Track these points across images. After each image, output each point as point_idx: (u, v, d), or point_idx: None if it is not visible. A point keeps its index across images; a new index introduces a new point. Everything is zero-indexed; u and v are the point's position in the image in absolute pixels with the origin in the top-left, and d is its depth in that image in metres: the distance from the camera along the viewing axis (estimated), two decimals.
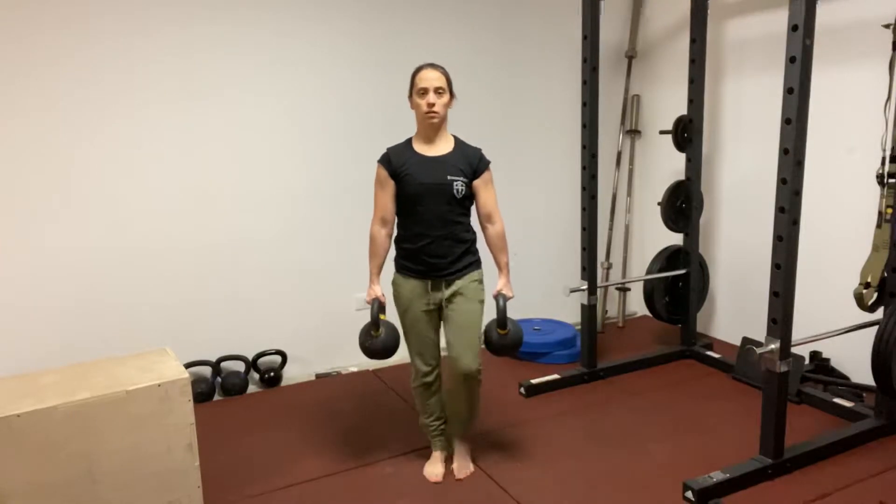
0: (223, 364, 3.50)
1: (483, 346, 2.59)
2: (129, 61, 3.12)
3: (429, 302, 2.54)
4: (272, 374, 3.56)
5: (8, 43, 2.90)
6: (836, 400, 3.11)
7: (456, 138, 2.57)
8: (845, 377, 3.37)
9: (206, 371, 3.47)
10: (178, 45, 3.20)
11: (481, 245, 2.62)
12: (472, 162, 2.51)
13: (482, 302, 2.58)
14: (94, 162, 3.13)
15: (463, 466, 2.68)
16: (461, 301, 2.52)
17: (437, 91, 2.43)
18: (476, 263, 2.59)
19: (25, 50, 2.93)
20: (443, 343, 2.61)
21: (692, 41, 3.58)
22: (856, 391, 3.22)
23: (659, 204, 3.73)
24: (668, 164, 4.19)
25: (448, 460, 2.72)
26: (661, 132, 3.93)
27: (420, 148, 2.52)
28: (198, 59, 3.25)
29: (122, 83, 3.12)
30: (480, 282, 2.59)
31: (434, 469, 2.66)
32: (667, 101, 4.21)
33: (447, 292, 2.52)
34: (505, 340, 2.54)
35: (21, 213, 3.02)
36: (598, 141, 3.40)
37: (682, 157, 3.75)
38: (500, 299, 2.53)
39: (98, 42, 3.05)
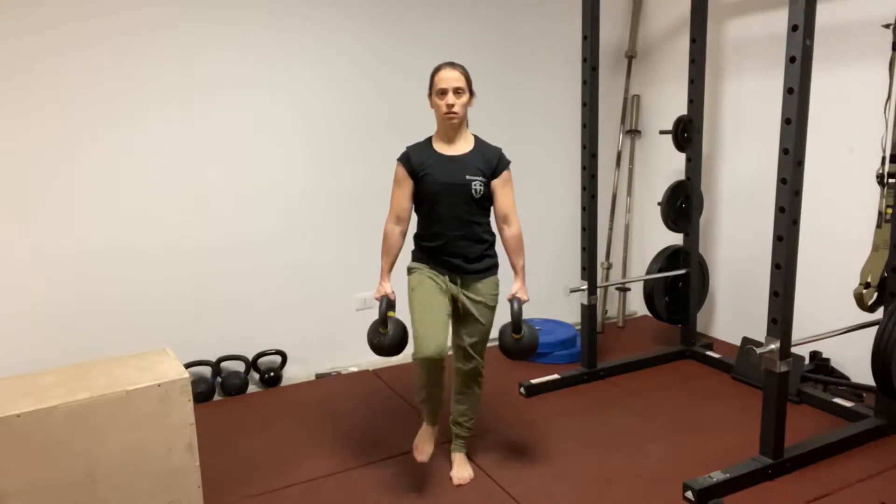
0: (223, 364, 3.50)
1: (499, 350, 2.60)
2: (129, 61, 3.12)
3: (446, 287, 2.50)
4: (272, 374, 3.56)
5: (7, 43, 2.90)
6: (836, 400, 3.11)
7: (476, 137, 2.56)
8: (845, 377, 3.37)
9: (206, 371, 3.47)
10: (178, 45, 3.20)
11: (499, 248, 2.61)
12: (491, 161, 2.50)
13: (494, 308, 2.58)
14: (93, 162, 3.12)
15: (461, 474, 2.64)
16: (476, 309, 2.52)
17: (457, 91, 2.42)
18: (494, 268, 2.58)
19: (25, 50, 2.93)
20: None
21: (692, 41, 3.58)
22: (856, 391, 3.22)
23: (659, 204, 3.73)
24: (668, 164, 4.19)
25: (438, 435, 2.65)
26: (661, 132, 3.93)
27: (440, 147, 2.51)
28: (198, 58, 3.25)
29: (122, 83, 3.12)
30: (496, 285, 2.58)
31: (422, 444, 2.58)
32: (667, 101, 4.21)
33: (464, 292, 2.51)
34: (520, 345, 2.51)
35: (21, 213, 3.02)
36: (598, 141, 3.40)
37: (682, 157, 3.75)
38: (515, 303, 2.51)
39: (97, 41, 3.05)
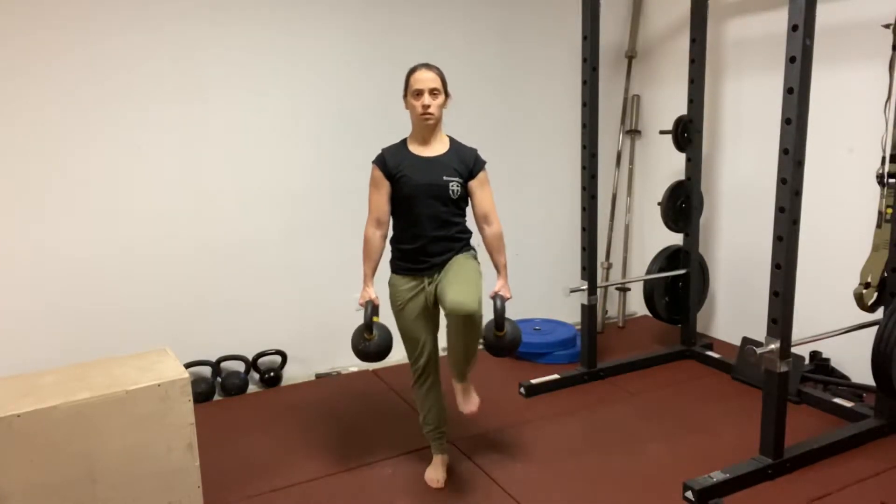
0: (223, 364, 3.50)
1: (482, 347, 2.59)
2: (129, 61, 3.12)
3: (426, 298, 2.52)
4: (272, 374, 3.56)
5: (8, 42, 2.90)
6: (836, 400, 3.11)
7: (451, 139, 2.56)
8: (845, 377, 3.37)
9: (206, 371, 3.47)
10: (178, 45, 3.20)
11: (477, 244, 2.61)
12: (467, 162, 2.50)
13: (479, 272, 2.50)
14: (94, 162, 3.13)
15: (468, 401, 2.54)
16: (456, 262, 2.48)
17: (432, 92, 2.41)
18: (469, 246, 2.58)
19: (25, 49, 2.93)
20: (442, 343, 2.59)
21: (692, 41, 3.58)
22: (856, 391, 3.22)
23: (659, 204, 3.73)
24: (668, 164, 4.19)
25: (447, 466, 2.70)
26: (661, 132, 3.93)
27: (415, 148, 2.51)
28: (198, 59, 3.25)
29: (122, 83, 3.12)
30: (475, 258, 2.57)
31: (435, 474, 2.65)
32: (667, 101, 4.21)
33: (442, 272, 2.49)
34: (503, 342, 2.51)
35: (21, 214, 3.02)
36: (598, 141, 3.40)
37: (682, 157, 3.75)
38: (498, 300, 2.50)
39: (98, 41, 3.05)
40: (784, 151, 2.41)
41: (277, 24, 3.40)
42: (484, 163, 2.54)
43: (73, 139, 3.07)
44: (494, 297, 2.52)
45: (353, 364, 3.78)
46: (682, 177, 3.75)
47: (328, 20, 3.52)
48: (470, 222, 2.59)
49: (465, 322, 2.32)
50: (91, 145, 3.11)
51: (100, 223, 3.17)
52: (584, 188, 3.41)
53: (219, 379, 3.47)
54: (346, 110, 3.63)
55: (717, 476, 2.50)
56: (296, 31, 3.45)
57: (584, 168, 3.39)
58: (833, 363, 3.44)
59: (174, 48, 3.20)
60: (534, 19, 4.06)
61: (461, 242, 2.55)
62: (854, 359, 3.30)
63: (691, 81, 3.62)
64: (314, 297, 3.70)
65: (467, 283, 2.38)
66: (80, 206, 3.13)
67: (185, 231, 3.35)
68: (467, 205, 2.56)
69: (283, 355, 3.61)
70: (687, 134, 3.67)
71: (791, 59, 2.34)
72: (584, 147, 3.38)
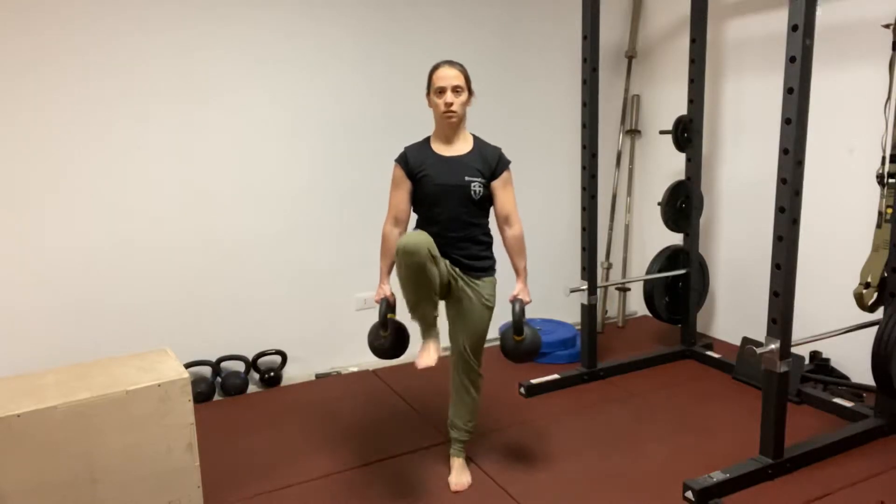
0: (223, 364, 3.50)
1: (502, 352, 2.57)
2: (130, 61, 3.12)
3: (438, 267, 2.32)
4: (272, 374, 3.56)
5: (9, 42, 2.90)
6: (836, 400, 3.11)
7: (475, 137, 2.52)
8: (845, 377, 3.37)
9: (206, 371, 3.47)
10: (179, 45, 3.20)
11: (498, 251, 2.58)
12: (490, 162, 2.46)
13: (492, 308, 2.53)
14: (94, 161, 3.13)
15: (461, 478, 2.60)
16: (474, 304, 2.46)
17: (455, 90, 2.39)
18: (492, 268, 2.54)
19: (26, 49, 2.93)
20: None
21: (692, 41, 3.58)
22: (856, 391, 3.22)
23: (659, 204, 3.73)
24: (668, 164, 4.19)
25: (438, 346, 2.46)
26: (661, 132, 3.93)
27: (438, 147, 2.47)
28: (198, 58, 3.25)
29: (122, 83, 3.12)
30: (494, 285, 2.54)
31: (427, 356, 2.35)
32: (667, 101, 4.21)
33: (460, 283, 2.45)
34: (521, 347, 2.48)
35: (21, 213, 3.02)
36: (598, 141, 3.40)
37: (682, 157, 3.75)
38: (517, 304, 2.47)
39: (99, 41, 3.05)
40: (784, 151, 2.41)
41: (278, 25, 3.40)
42: (508, 162, 2.50)
43: (73, 139, 3.07)
44: (513, 301, 2.49)
45: (353, 364, 3.79)
46: (682, 177, 3.75)
47: (329, 23, 3.51)
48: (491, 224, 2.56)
49: (468, 380, 2.56)
50: (91, 145, 3.11)
51: (100, 223, 3.17)
52: (584, 188, 3.41)
53: (219, 379, 3.47)
54: (347, 111, 3.62)
55: (717, 476, 2.50)
56: (296, 32, 3.45)
57: (584, 168, 3.39)
58: (833, 363, 3.44)
59: (176, 49, 3.20)
60: (533, 19, 4.06)
61: (482, 247, 2.49)
62: (854, 359, 3.30)
63: (691, 81, 3.62)
64: (314, 297, 3.70)
65: (475, 343, 2.51)
66: (81, 206, 3.13)
67: (185, 231, 3.34)
68: (491, 206, 2.52)
69: (283, 355, 3.61)
70: (687, 134, 3.67)
71: (791, 59, 2.34)
72: (584, 147, 3.38)
